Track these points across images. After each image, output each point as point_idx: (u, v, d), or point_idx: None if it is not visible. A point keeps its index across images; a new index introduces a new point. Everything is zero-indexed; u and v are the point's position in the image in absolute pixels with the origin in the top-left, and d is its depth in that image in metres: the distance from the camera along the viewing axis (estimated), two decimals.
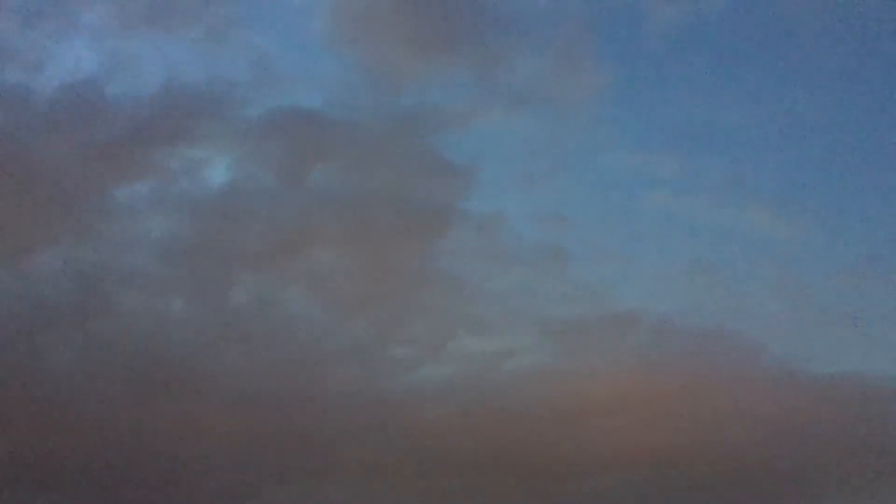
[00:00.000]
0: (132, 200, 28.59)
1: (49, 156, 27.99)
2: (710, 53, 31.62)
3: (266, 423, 26.15)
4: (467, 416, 26.92)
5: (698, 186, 31.12)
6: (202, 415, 26.05)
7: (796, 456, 26.75)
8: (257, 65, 30.30)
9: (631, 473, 27.04)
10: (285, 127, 29.69)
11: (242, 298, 28.32)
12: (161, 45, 30.51)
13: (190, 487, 26.07)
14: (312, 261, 28.77)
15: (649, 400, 27.41)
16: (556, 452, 26.93)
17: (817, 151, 31.22)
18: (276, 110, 29.90)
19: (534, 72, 31.08)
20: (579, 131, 31.13)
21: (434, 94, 30.92)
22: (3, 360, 25.60)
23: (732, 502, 26.33)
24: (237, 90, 29.56)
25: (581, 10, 31.28)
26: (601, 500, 26.84)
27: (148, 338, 26.62)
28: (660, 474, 26.73)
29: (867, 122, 31.05)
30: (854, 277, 29.50)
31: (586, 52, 30.74)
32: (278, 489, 26.40)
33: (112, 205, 28.28)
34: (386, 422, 26.51)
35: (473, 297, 28.87)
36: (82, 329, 26.78)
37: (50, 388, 25.64)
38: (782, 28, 31.10)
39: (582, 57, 30.66)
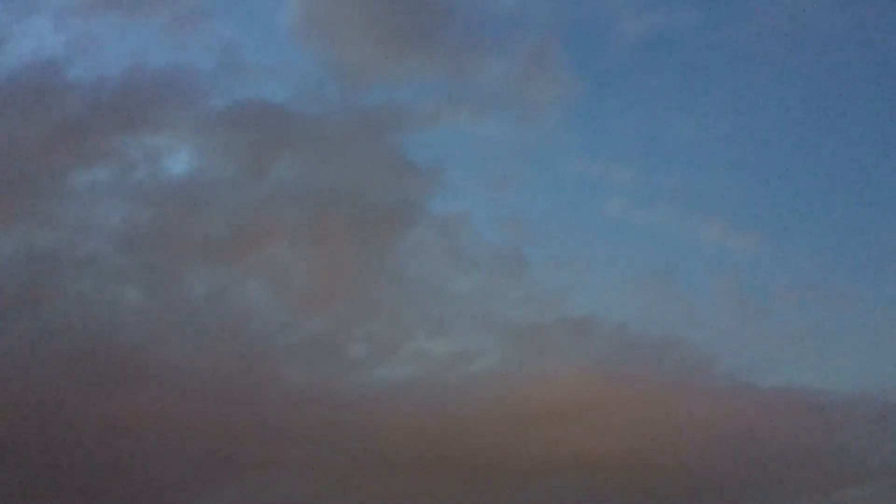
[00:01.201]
0: (90, 186, 27.85)
1: (6, 136, 27.19)
2: (673, 68, 31.90)
3: (217, 416, 25.51)
4: (422, 417, 26.56)
5: (657, 197, 31.30)
6: (152, 405, 25.29)
7: (744, 466, 26.92)
8: (224, 54, 29.79)
9: (582, 478, 26.93)
10: (249, 118, 29.13)
11: (198, 290, 27.75)
12: (126, 30, 29.89)
13: (137, 478, 25.41)
14: (271, 255, 28.29)
15: (603, 406, 27.36)
16: (508, 456, 26.71)
17: (772, 167, 31.65)
18: (241, 101, 29.38)
19: (501, 76, 31.06)
20: (543, 137, 31.20)
21: (401, 92, 30.75)
22: None
23: None
24: (202, 79, 29.04)
25: (550, 18, 31.39)
26: (552, 503, 26.68)
27: (100, 326, 25.94)
28: (610, 480, 26.71)
29: (822, 140, 31.56)
30: (804, 292, 29.85)
31: (553, 60, 30.80)
32: (227, 483, 25.81)
33: (69, 189, 27.56)
34: (339, 420, 26.04)
35: (433, 298, 28.64)
36: (33, 314, 26.00)
37: None
38: (743, 48, 31.50)
39: (549, 64, 30.71)
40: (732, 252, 30.44)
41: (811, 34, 31.05)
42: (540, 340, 28.29)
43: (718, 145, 31.54)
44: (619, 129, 31.81)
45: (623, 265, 30.39)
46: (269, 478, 26.03)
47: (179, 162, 29.15)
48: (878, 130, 30.88)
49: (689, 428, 27.21)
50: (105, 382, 25.32)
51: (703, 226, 30.84)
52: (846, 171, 31.14)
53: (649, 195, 31.07)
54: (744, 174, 31.45)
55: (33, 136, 27.37)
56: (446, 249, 29.34)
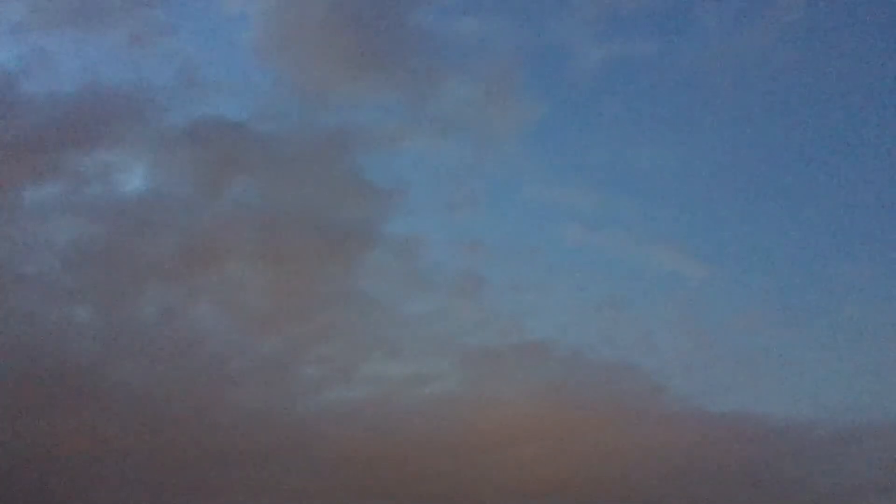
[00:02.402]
0: (41, 202, 27.03)
1: None
2: (630, 96, 31.95)
3: (167, 439, 24.82)
4: (376, 440, 26.09)
5: (613, 222, 31.20)
6: (100, 428, 24.54)
7: (694, 491, 26.75)
8: (182, 71, 29.12)
9: (534, 501, 26.47)
10: (207, 136, 28.47)
11: (150, 310, 26.97)
12: (83, 45, 29.11)
13: (83, 502, 24.41)
14: (225, 275, 27.61)
15: (556, 431, 27.16)
16: (461, 480, 26.33)
17: (724, 195, 31.71)
18: (199, 119, 28.71)
19: (462, 100, 30.82)
20: (503, 161, 31.01)
21: (362, 114, 30.39)
22: None
23: None
24: (160, 95, 28.36)
25: (511, 44, 31.32)
26: None
27: (47, 345, 24.98)
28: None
29: (772, 169, 31.72)
30: (753, 319, 29.85)
31: (514, 85, 30.66)
32: None
33: (20, 205, 26.71)
34: (292, 443, 25.56)
35: (389, 320, 28.17)
36: None
37: None
38: (698, 78, 31.64)
39: (510, 89, 30.54)
40: (685, 278, 30.47)
41: (765, 66, 31.41)
42: (496, 364, 28.02)
43: (673, 173, 31.66)
44: (577, 155, 31.81)
45: (580, 290, 30.34)
46: (219, 499, 25.30)
47: (134, 179, 28.45)
48: (829, 160, 31.27)
49: (641, 453, 27.08)
50: (51, 404, 24.50)
51: (658, 252, 30.79)
52: (796, 199, 31.34)
53: (606, 221, 31.06)
54: (697, 202, 31.69)
55: None
56: (404, 271, 28.99)
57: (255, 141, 28.74)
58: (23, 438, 23.77)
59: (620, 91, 31.63)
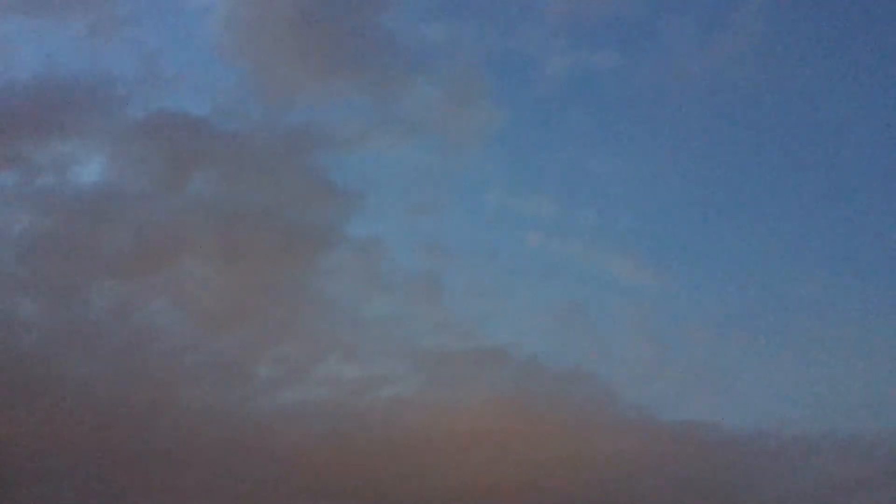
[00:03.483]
0: None
1: None
2: (592, 106, 31.93)
3: (116, 437, 23.98)
4: (329, 442, 25.53)
5: (572, 231, 31.07)
6: (46, 425, 23.55)
7: (644, 499, 26.61)
8: (143, 64, 28.50)
9: None
10: (167, 131, 27.71)
11: (101, 304, 26.06)
12: (41, 33, 28.31)
13: (30, 500, 23.42)
14: (181, 271, 26.82)
15: (510, 437, 26.83)
16: (414, 483, 25.85)
17: (682, 206, 31.82)
18: (159, 112, 27.99)
19: (426, 103, 30.50)
20: (465, 166, 30.80)
21: (325, 113, 29.88)
22: None
23: None
24: (119, 87, 27.64)
25: (477, 49, 31.15)
26: None
27: None
28: None
29: (730, 183, 31.79)
30: (706, 329, 29.82)
31: (478, 90, 30.46)
32: None
33: None
34: (244, 444, 24.82)
35: (346, 322, 27.64)
36: None
37: None
38: (659, 91, 31.78)
39: (474, 94, 30.31)
40: (641, 288, 30.44)
41: (727, 80, 31.46)
42: (452, 368, 27.60)
43: (632, 183, 31.71)
44: (539, 163, 31.75)
45: (538, 297, 30.11)
46: (170, 498, 24.46)
47: (91, 171, 27.66)
48: (788, 175, 31.53)
49: (593, 460, 26.90)
50: None
51: (615, 261, 30.75)
52: (753, 212, 31.42)
53: (566, 229, 30.92)
54: (655, 212, 31.67)
55: None
56: (363, 273, 28.56)
57: (217, 137, 28.20)
58: None
59: (583, 101, 31.73)
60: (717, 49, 31.46)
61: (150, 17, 29.57)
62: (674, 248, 31.15)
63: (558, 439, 26.95)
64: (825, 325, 29.05)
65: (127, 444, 23.70)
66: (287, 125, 28.94)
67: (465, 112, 30.19)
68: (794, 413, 27.11)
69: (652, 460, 26.98)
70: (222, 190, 28.01)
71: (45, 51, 27.83)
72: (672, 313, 30.22)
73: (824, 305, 29.53)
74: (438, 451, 26.14)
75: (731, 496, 26.70)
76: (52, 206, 26.06)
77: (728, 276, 30.60)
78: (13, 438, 23.14)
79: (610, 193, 31.51)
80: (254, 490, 24.50)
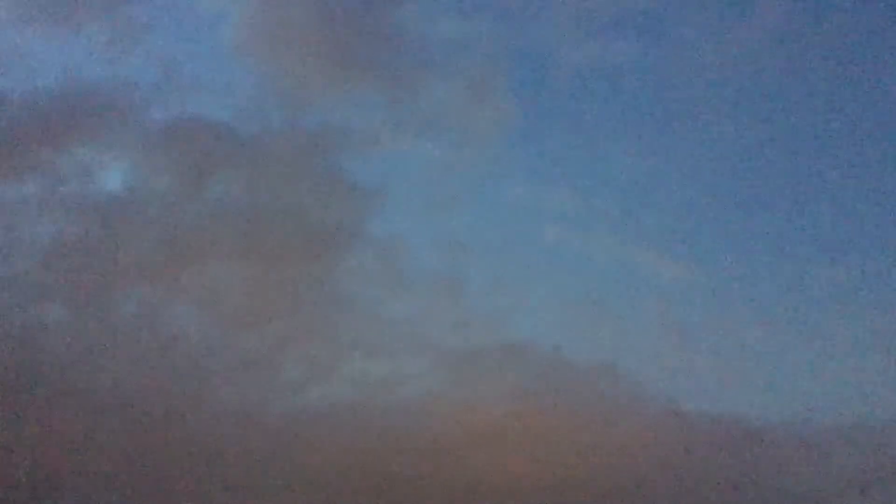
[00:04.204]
0: (18, 200, 26.21)
1: None
2: (610, 97, 31.78)
3: (146, 439, 24.02)
4: (355, 440, 25.47)
5: (593, 223, 31.02)
6: (76, 428, 23.68)
7: (669, 491, 26.30)
8: (163, 70, 28.61)
9: (512, 501, 25.85)
10: (188, 135, 27.90)
11: (128, 309, 26.33)
12: (63, 43, 28.50)
13: (58, 501, 23.57)
14: (205, 275, 26.99)
15: (535, 431, 26.65)
16: (440, 479, 25.75)
17: (703, 197, 31.59)
18: (180, 118, 28.22)
19: (443, 100, 30.54)
20: (484, 161, 30.70)
21: (343, 114, 29.97)
22: None
23: None
24: (140, 94, 27.80)
25: (492, 44, 31.09)
26: None
27: (23, 345, 24.11)
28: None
29: (750, 172, 31.58)
30: (731, 320, 29.56)
31: (495, 85, 30.34)
32: None
33: None
34: (270, 442, 24.82)
35: (369, 320, 27.63)
36: None
37: None
38: (677, 80, 31.53)
39: (491, 89, 30.19)
40: (664, 279, 30.27)
41: (744, 70, 31.26)
42: (475, 364, 27.52)
43: (652, 174, 31.55)
44: (558, 156, 31.63)
45: (560, 290, 30.01)
46: (198, 499, 24.51)
47: (114, 177, 27.87)
48: (809, 164, 31.13)
49: (619, 453, 26.65)
50: (28, 403, 23.56)
51: (637, 253, 30.59)
52: (776, 201, 31.22)
53: (586, 221, 30.85)
54: (676, 203, 31.48)
55: None
56: (384, 271, 28.51)
57: (237, 140, 28.33)
58: None
59: (600, 93, 31.57)
60: (735, 39, 31.19)
61: (167, 24, 30.01)
62: (698, 238, 31.09)
63: (584, 432, 26.72)
64: (853, 315, 28.72)
65: (156, 444, 23.79)
66: (306, 127, 29.10)
67: (482, 107, 30.20)
68: (822, 403, 26.83)
69: (678, 452, 26.69)
70: (244, 193, 28.23)
71: (65, 60, 28.14)
72: (697, 304, 30.15)
73: (852, 294, 29.24)
74: (463, 446, 26.03)
75: (760, 487, 26.36)
76: (77, 213, 26.34)
77: (753, 266, 30.44)
78: (44, 441, 23.30)
79: (631, 185, 31.46)
80: (281, 488, 24.53)
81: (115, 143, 27.32)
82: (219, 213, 27.24)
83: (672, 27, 31.48)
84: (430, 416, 26.06)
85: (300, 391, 26.36)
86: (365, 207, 28.46)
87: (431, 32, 30.62)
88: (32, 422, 23.41)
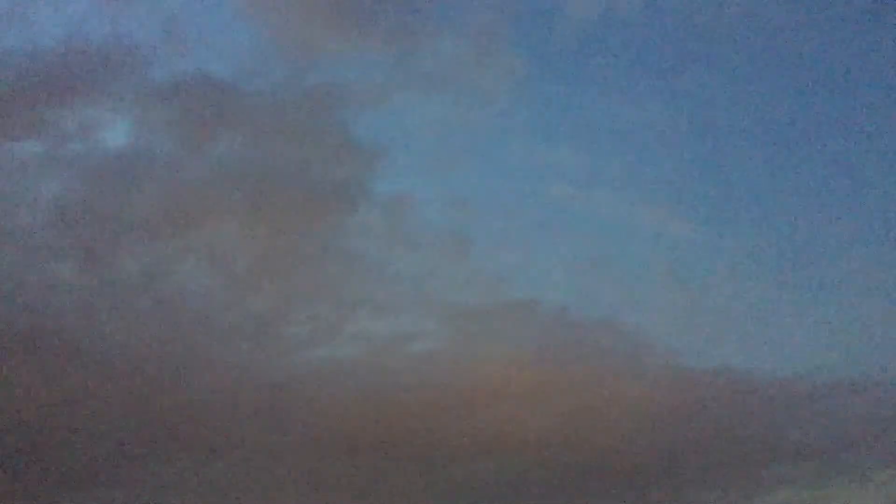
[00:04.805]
0: (23, 158, 25.95)
1: None
2: (618, 52, 31.18)
3: (151, 396, 24.12)
4: (362, 398, 25.51)
5: (599, 181, 30.59)
6: (84, 384, 23.82)
7: (677, 446, 26.43)
8: (165, 27, 28.09)
9: (520, 459, 26.14)
10: (191, 93, 27.45)
11: (134, 267, 26.10)
12: (63, 1, 27.79)
13: (69, 460, 23.92)
14: (210, 233, 26.71)
15: (542, 388, 26.66)
16: (447, 437, 25.86)
17: (710, 154, 31.23)
18: (183, 75, 27.66)
19: (449, 56, 29.92)
20: (490, 118, 30.20)
21: (347, 70, 29.49)
22: None
23: (607, 487, 25.81)
24: (142, 51, 27.35)
25: (497, 0, 30.11)
26: (487, 483, 25.80)
27: (30, 302, 24.15)
28: (548, 460, 25.92)
29: (760, 128, 31.15)
30: (738, 276, 29.41)
31: (501, 41, 29.78)
32: (161, 465, 24.42)
33: (0, 161, 25.42)
34: (278, 401, 24.89)
35: (375, 279, 27.56)
36: None
37: None
38: (686, 35, 30.89)
39: (497, 45, 29.65)
40: (671, 237, 29.97)
41: (753, 22, 30.58)
42: (482, 322, 27.42)
43: (659, 131, 31.04)
44: (565, 113, 31.22)
45: (566, 248, 29.71)
46: (207, 460, 24.79)
47: (117, 135, 27.52)
48: (818, 120, 30.73)
49: (625, 409, 26.66)
50: (36, 361, 23.68)
51: (643, 211, 30.30)
52: (783, 157, 30.78)
53: (592, 179, 30.47)
54: (683, 160, 31.09)
55: None
56: (390, 230, 28.28)
57: (240, 98, 27.90)
58: (4, 394, 22.91)
59: (607, 49, 30.95)
60: None
61: None
62: (703, 195, 30.74)
63: (589, 389, 26.71)
64: (858, 269, 28.51)
65: (160, 402, 23.86)
66: (310, 84, 28.55)
67: (488, 64, 29.63)
68: (826, 358, 26.76)
69: (684, 408, 26.71)
70: (248, 151, 27.85)
71: (67, 17, 27.79)
72: (702, 260, 30.06)
73: (857, 249, 28.99)
74: (469, 403, 26.05)
75: (765, 442, 26.40)
76: (81, 172, 26.05)
77: (759, 221, 30.21)
78: (51, 398, 23.36)
79: (637, 142, 31.02)
80: (287, 445, 24.65)
81: (117, 101, 26.98)
82: (222, 172, 26.99)
83: None
84: (436, 374, 26.07)
85: (306, 349, 26.29)
86: (370, 165, 28.18)
87: None
88: (38, 379, 23.46)
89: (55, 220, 25.34)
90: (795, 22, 30.20)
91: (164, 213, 25.94)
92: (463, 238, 28.27)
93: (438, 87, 29.61)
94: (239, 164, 27.37)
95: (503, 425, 25.84)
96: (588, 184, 30.21)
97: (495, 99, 29.81)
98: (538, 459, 25.95)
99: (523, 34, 30.33)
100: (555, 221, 29.94)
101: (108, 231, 25.53)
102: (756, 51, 30.62)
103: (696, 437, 26.30)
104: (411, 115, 29.83)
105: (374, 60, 29.59)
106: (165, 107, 27.15)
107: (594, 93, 30.91)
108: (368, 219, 27.82)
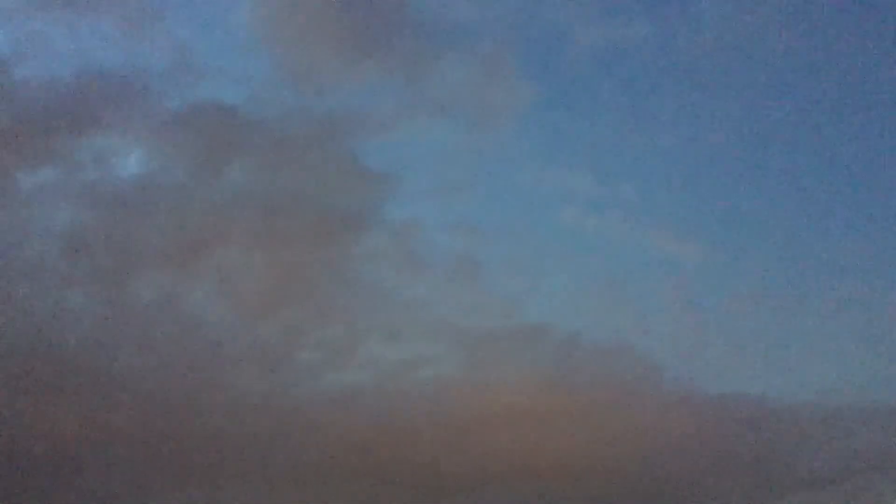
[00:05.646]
0: (36, 188, 26.07)
1: None
2: (626, 79, 31.41)
3: (164, 424, 23.98)
4: (372, 423, 25.32)
5: (609, 205, 30.65)
6: (96, 413, 23.71)
7: (689, 472, 26.04)
8: (177, 56, 28.42)
9: (531, 485, 25.63)
10: (203, 121, 27.64)
11: (146, 295, 26.14)
12: (77, 29, 28.38)
13: (81, 488, 23.62)
14: (222, 260, 26.81)
15: (553, 413, 26.41)
16: (458, 462, 25.55)
17: (721, 178, 31.46)
18: (195, 103, 27.91)
19: (457, 82, 30.21)
20: (498, 144, 30.42)
21: (357, 98, 29.77)
22: None
23: None
24: (155, 80, 27.61)
25: (506, 26, 30.75)
26: None
27: (42, 332, 24.08)
28: (558, 486, 25.52)
29: (769, 153, 31.33)
30: (749, 302, 29.28)
31: (509, 67, 30.00)
32: (174, 492, 24.21)
33: (14, 191, 25.79)
34: (289, 426, 24.74)
35: (385, 304, 27.46)
36: None
37: None
38: (694, 61, 31.11)
39: (505, 71, 29.81)
40: (682, 261, 29.95)
41: (761, 49, 30.73)
42: (492, 347, 27.27)
43: (669, 156, 31.23)
44: (573, 138, 31.31)
45: (576, 273, 29.93)
46: (218, 486, 24.53)
47: (130, 164, 27.81)
48: (824, 145, 30.60)
49: (637, 434, 26.39)
50: (47, 389, 23.60)
51: (654, 235, 30.27)
52: (793, 183, 30.96)
53: (602, 204, 30.51)
54: (694, 185, 31.30)
55: None
56: (400, 255, 28.23)
57: (251, 125, 28.04)
58: (18, 421, 22.87)
59: (616, 74, 31.15)
60: (752, 17, 30.58)
61: (180, 9, 29.95)
62: (714, 219, 30.90)
63: (601, 415, 26.44)
64: (869, 294, 28.33)
65: (173, 429, 23.70)
66: (320, 111, 28.74)
67: (496, 89, 29.80)
68: (838, 383, 26.52)
69: (696, 433, 26.42)
70: (259, 177, 27.97)
71: (81, 47, 28.21)
72: (713, 285, 29.98)
73: (869, 273, 28.82)
74: (480, 428, 25.81)
75: (776, 467, 26.01)
76: (95, 200, 26.11)
77: (769, 245, 30.14)
78: (64, 425, 23.24)
79: (646, 167, 31.13)
80: (299, 472, 24.39)
81: (130, 130, 27.23)
82: (234, 199, 27.05)
83: (689, 5, 31.07)
84: (447, 398, 25.90)
85: (317, 375, 26.20)
86: (379, 191, 28.26)
87: (445, 14, 30.36)
88: (53, 404, 23.37)
89: (68, 248, 25.42)
90: (810, 46, 30.25)
91: (176, 240, 26.05)
92: (473, 262, 28.33)
93: (447, 113, 29.95)
94: (250, 191, 27.55)
95: (514, 450, 25.57)
96: (598, 208, 30.34)
97: (504, 124, 30.04)
98: (550, 485, 25.64)
99: (532, 60, 30.62)
100: (565, 246, 30.14)
101: (121, 259, 25.62)
102: (771, 76, 30.78)
103: (709, 462, 25.94)
104: (420, 141, 30.09)
105: (383, 87, 29.98)
106: (178, 135, 27.48)
107: (603, 118, 31.15)
108: (378, 244, 27.90)
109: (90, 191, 25.95)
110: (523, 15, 30.52)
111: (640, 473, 25.61)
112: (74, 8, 27.60)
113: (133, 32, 28.10)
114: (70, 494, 23.36)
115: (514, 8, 30.62)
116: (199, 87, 28.29)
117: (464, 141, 30.07)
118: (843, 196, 30.13)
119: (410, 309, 27.24)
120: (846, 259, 29.01)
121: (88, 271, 25.23)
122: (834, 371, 27.19)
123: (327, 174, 28.11)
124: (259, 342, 26.17)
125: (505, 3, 30.60)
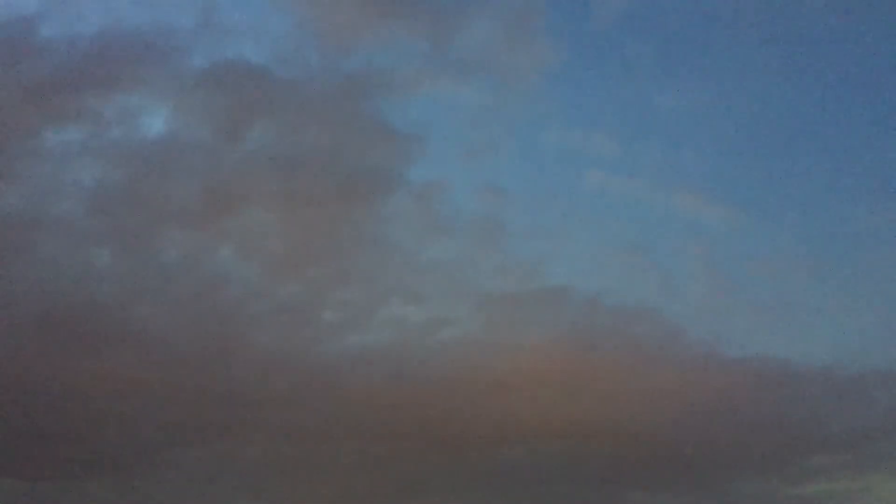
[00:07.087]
0: (62, 146, 25.89)
1: None
2: (653, 39, 30.26)
3: (188, 380, 24.07)
4: (394, 383, 25.23)
5: (635, 168, 29.82)
6: (122, 369, 23.80)
7: (711, 434, 25.79)
8: (203, 14, 27.72)
9: (552, 445, 25.84)
10: (228, 80, 27.12)
11: (171, 254, 25.99)
12: None
13: (107, 443, 24.09)
14: (246, 219, 26.52)
15: (575, 375, 26.13)
16: (479, 423, 25.46)
17: (748, 141, 30.31)
18: (220, 62, 27.32)
19: (483, 42, 29.25)
20: (524, 105, 29.52)
21: (383, 57, 28.89)
22: None
23: (642, 476, 25.43)
24: (180, 38, 26.98)
25: None
26: (519, 469, 25.59)
27: (69, 289, 24.16)
28: (580, 447, 25.62)
29: (798, 116, 30.13)
30: (774, 265, 28.56)
31: (536, 27, 29.05)
32: (197, 447, 24.57)
33: (41, 149, 25.63)
34: (311, 386, 24.77)
35: (408, 265, 27.09)
36: (1, 276, 23.93)
37: None
38: (722, 21, 29.93)
39: (531, 31, 28.93)
40: (706, 224, 29.19)
41: (791, 10, 29.43)
42: (515, 309, 26.91)
43: (696, 118, 30.22)
44: (599, 99, 30.48)
45: (600, 235, 29.26)
46: (240, 443, 24.83)
47: (155, 122, 27.46)
48: (855, 109, 29.63)
49: (659, 396, 26.07)
50: (74, 346, 23.82)
51: (679, 198, 29.47)
52: (820, 147, 29.81)
53: (627, 166, 29.68)
54: (720, 148, 30.23)
55: (4, 95, 25.39)
56: (424, 217, 27.81)
57: (276, 85, 27.48)
58: (46, 379, 23.03)
59: (643, 35, 30.03)
60: None
61: None
62: (740, 182, 30.07)
63: (622, 376, 26.13)
64: (894, 257, 27.52)
65: (197, 387, 23.75)
66: (345, 71, 28.14)
67: (522, 49, 28.91)
68: (862, 346, 25.88)
69: (718, 396, 26.08)
70: (283, 138, 27.50)
71: (106, 5, 27.88)
72: (738, 248, 29.20)
73: (894, 237, 28.02)
74: (501, 390, 25.59)
75: (799, 430, 25.70)
76: (120, 159, 25.92)
77: (796, 209, 29.27)
78: (91, 382, 23.35)
79: (673, 129, 30.17)
80: (320, 430, 24.46)
81: (155, 89, 26.83)
82: (258, 158, 26.69)
83: None
84: (470, 359, 25.66)
85: (339, 335, 26.07)
86: (404, 152, 27.64)
87: None
88: (77, 360, 23.48)
89: (94, 207, 25.31)
90: (835, 9, 29.14)
91: (201, 200, 25.76)
92: (497, 225, 27.91)
93: (473, 73, 29.11)
94: (274, 150, 27.10)
95: (535, 412, 25.40)
96: (623, 170, 29.56)
97: (530, 85, 29.21)
98: (571, 446, 25.66)
99: (559, 20, 29.57)
100: (590, 208, 29.49)
101: (146, 217, 25.49)
102: (798, 35, 29.63)
103: (732, 425, 25.74)
104: (446, 101, 29.36)
105: (409, 47, 29.13)
106: (202, 94, 26.96)
107: (630, 79, 30.13)
108: (402, 205, 27.48)
109: (116, 149, 25.81)
110: None
111: (660, 435, 25.39)
112: None
113: None
114: (94, 449, 23.63)
115: None
116: (224, 47, 27.65)
117: (490, 102, 29.49)
118: (876, 160, 29.19)
119: (433, 270, 26.99)
120: (872, 224, 28.29)
121: (114, 229, 25.16)
122: (857, 335, 26.53)
123: (352, 134, 27.72)
124: (282, 301, 26.14)
125: None
